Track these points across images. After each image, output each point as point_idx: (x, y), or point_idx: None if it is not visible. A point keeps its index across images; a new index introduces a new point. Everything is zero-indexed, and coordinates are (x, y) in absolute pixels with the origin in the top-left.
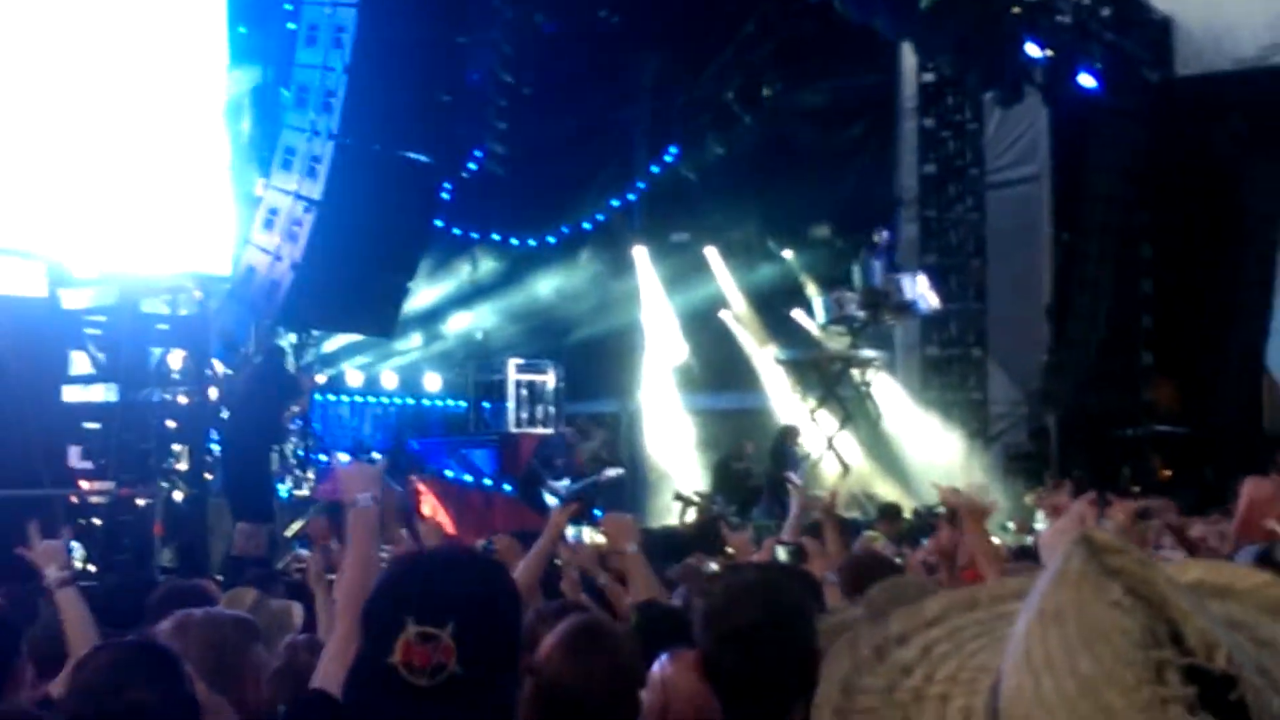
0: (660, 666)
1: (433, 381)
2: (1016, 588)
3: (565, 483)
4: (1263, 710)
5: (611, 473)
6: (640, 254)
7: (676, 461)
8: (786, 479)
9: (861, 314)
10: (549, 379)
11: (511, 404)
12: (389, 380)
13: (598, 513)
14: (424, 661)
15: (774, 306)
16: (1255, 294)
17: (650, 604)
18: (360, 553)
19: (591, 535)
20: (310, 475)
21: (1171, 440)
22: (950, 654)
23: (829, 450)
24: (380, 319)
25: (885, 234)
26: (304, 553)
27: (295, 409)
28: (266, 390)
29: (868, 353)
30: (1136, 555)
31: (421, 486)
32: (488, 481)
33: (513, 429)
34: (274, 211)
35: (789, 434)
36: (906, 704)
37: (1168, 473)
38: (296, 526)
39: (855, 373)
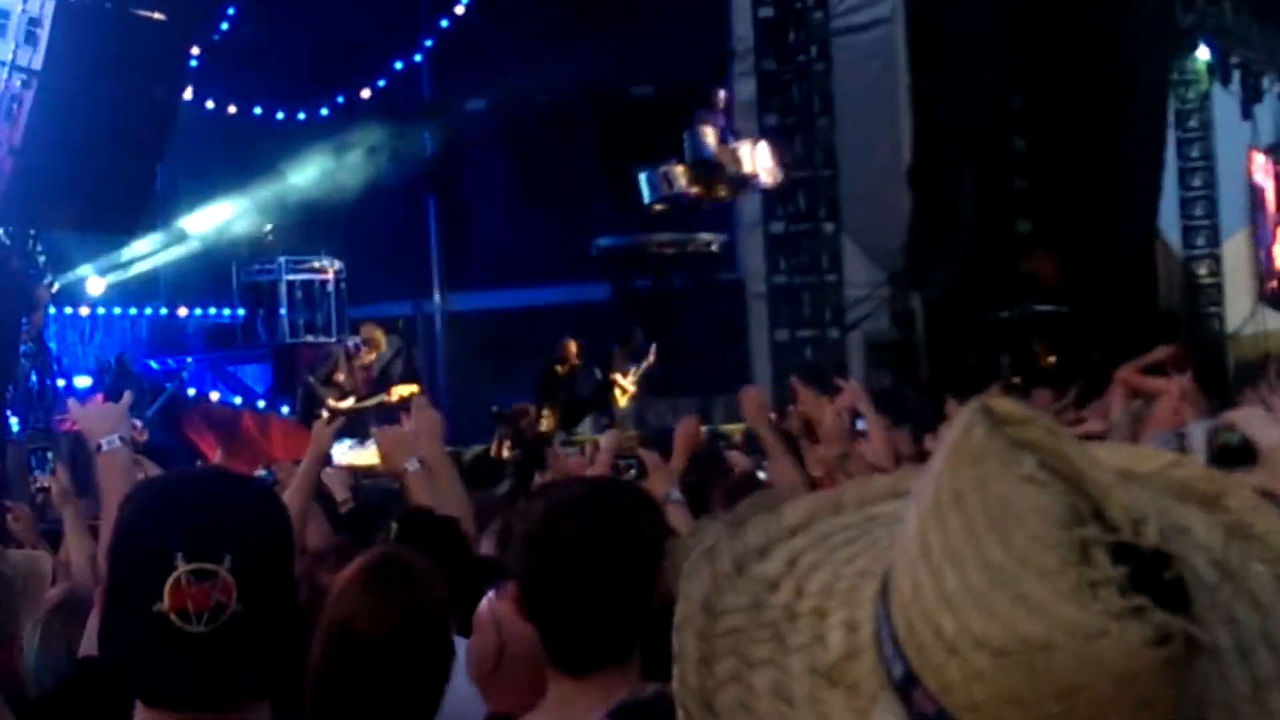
0: (489, 603)
1: (190, 286)
2: (887, 486)
3: (349, 402)
4: (1199, 590)
5: (404, 390)
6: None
7: (487, 371)
8: None
9: (693, 191)
10: (328, 277)
11: (285, 310)
12: (136, 287)
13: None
14: (201, 603)
15: (590, 185)
16: (1143, 149)
17: (415, 512)
18: (113, 502)
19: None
20: (46, 406)
21: (1054, 320)
22: (820, 564)
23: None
24: (121, 214)
25: (720, 93)
26: (42, 476)
27: (29, 326)
28: None
29: (702, 236)
30: (1046, 425)
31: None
32: (261, 403)
33: (288, 339)
34: None
35: (624, 337)
36: (777, 622)
37: (1052, 359)
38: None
39: (688, 259)
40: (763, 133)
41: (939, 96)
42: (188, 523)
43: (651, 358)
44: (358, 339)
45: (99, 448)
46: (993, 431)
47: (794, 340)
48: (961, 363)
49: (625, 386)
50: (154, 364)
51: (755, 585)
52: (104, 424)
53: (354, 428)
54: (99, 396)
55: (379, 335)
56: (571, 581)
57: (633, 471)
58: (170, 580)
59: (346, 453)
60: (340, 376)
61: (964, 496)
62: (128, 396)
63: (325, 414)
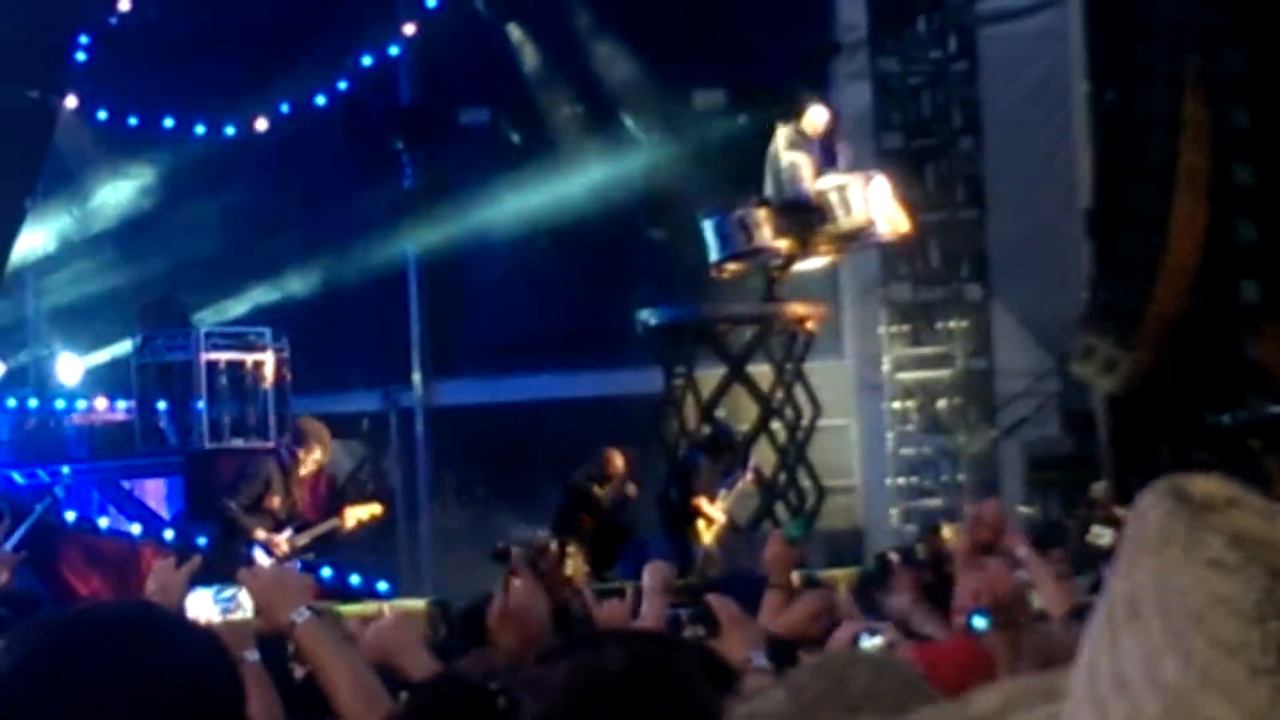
0: None
1: (71, 368)
2: None
3: (286, 535)
4: None
5: (362, 512)
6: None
7: (485, 489)
8: None
9: (781, 245)
10: (263, 357)
11: (204, 402)
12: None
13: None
14: None
15: (634, 230)
16: None
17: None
18: None
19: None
20: None
21: None
22: None
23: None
24: None
25: (816, 108)
26: None
27: None
28: None
29: (795, 308)
30: (1260, 506)
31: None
32: (169, 534)
33: (206, 444)
34: None
35: (718, 440)
36: None
37: None
38: None
39: (775, 340)
40: (880, 159)
41: (1130, 109)
42: (80, 690)
43: (750, 475)
44: (288, 439)
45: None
46: (1176, 513)
47: (924, 450)
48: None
49: (711, 516)
50: (17, 476)
51: None
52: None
53: (227, 570)
54: None
55: (321, 432)
56: None
57: (699, 630)
58: None
59: (209, 607)
60: (274, 500)
61: (1139, 603)
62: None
63: (259, 552)
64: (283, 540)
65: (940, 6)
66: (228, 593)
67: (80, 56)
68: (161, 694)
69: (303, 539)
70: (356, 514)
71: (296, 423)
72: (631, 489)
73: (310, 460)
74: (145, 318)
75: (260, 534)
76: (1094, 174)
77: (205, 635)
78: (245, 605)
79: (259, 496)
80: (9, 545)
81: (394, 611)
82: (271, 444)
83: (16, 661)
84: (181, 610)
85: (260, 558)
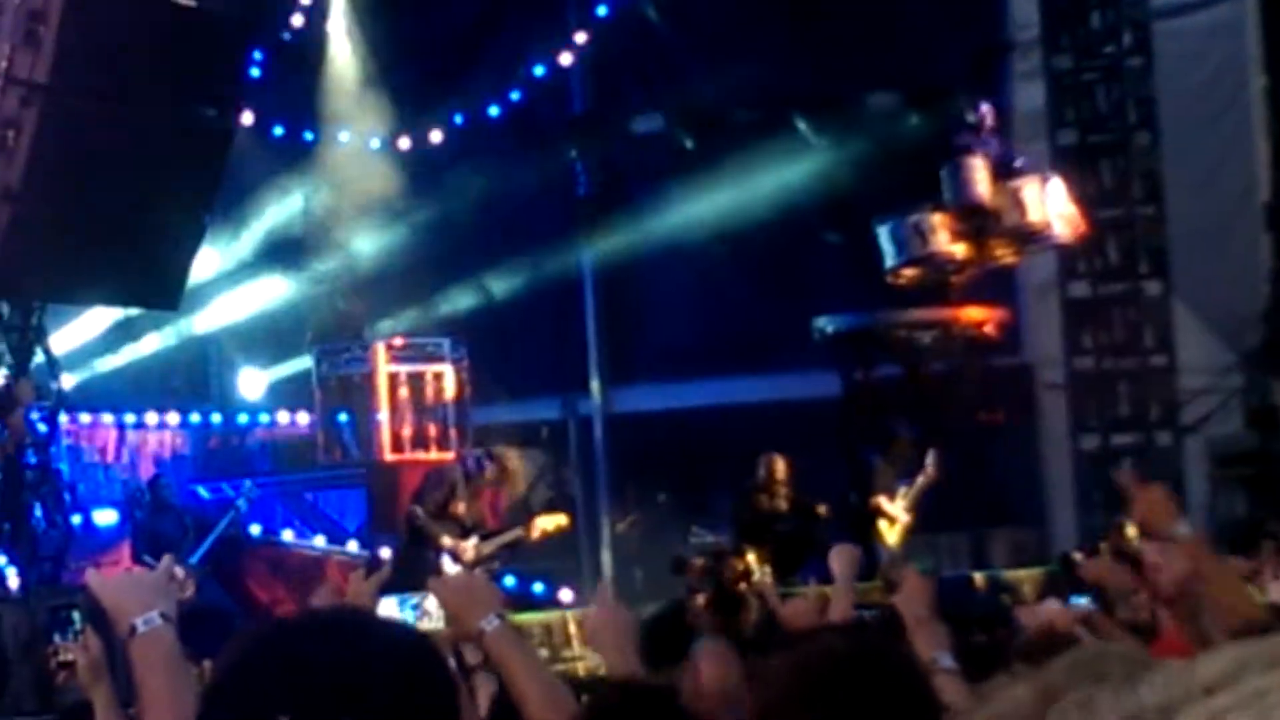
0: None
1: (253, 382)
2: None
3: (473, 543)
4: None
5: (550, 522)
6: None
7: (666, 496)
8: None
9: (957, 250)
10: (443, 369)
11: (384, 414)
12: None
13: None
14: None
15: (809, 235)
16: None
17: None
18: (155, 698)
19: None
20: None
21: None
22: None
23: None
24: (158, 279)
25: (985, 107)
26: (64, 643)
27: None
28: None
29: (972, 312)
30: None
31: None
32: (353, 545)
33: (388, 455)
34: None
35: (890, 444)
36: None
37: None
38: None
39: (955, 343)
40: (1055, 157)
41: None
42: (301, 681)
43: (931, 470)
44: (479, 453)
45: (132, 630)
46: None
47: (1106, 449)
48: None
49: (894, 515)
50: (203, 491)
51: None
52: (137, 598)
53: (413, 580)
54: (125, 558)
55: (515, 462)
56: None
57: None
58: None
59: (398, 616)
60: (459, 507)
61: None
62: (168, 561)
63: (446, 559)
64: (469, 546)
65: (1114, 2)
66: (415, 599)
67: (255, 73)
68: (379, 684)
69: (489, 546)
70: (543, 524)
71: (486, 445)
72: (783, 504)
73: (495, 470)
74: (322, 331)
75: (446, 541)
76: (1272, 167)
77: (416, 634)
78: (434, 613)
79: (444, 503)
80: (194, 559)
81: (617, 609)
82: (450, 454)
83: (241, 657)
84: None
85: (447, 565)
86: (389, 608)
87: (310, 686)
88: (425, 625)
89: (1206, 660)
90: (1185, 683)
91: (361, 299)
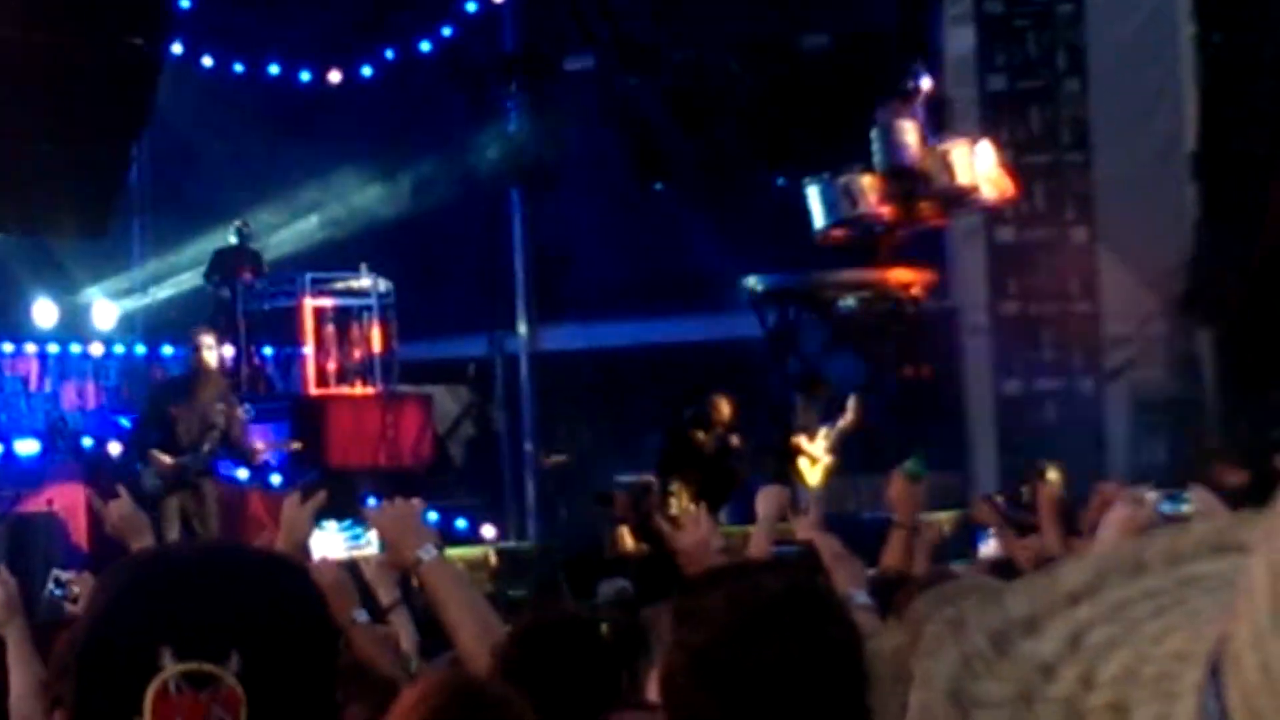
0: None
1: (171, 316)
2: (1211, 538)
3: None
4: None
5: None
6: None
7: (590, 434)
8: None
9: (885, 211)
10: (371, 305)
11: (310, 348)
12: (102, 316)
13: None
14: (196, 719)
15: (739, 174)
16: None
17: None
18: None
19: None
20: None
21: None
22: (1117, 641)
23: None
24: (85, 207)
25: (918, 76)
26: None
27: None
28: None
29: (901, 274)
30: None
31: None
32: (276, 478)
33: (313, 389)
34: None
35: (810, 384)
36: None
37: None
38: None
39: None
40: (985, 102)
41: (1239, 48)
42: (181, 609)
43: (850, 414)
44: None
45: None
46: None
47: (1029, 394)
48: (1267, 433)
49: (814, 455)
50: (125, 422)
51: (1023, 670)
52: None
53: (344, 506)
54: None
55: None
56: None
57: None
58: (154, 687)
59: (337, 544)
60: None
61: None
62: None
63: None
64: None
65: None
66: (358, 528)
67: (184, 3)
68: (259, 618)
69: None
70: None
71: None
72: (735, 439)
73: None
74: (220, 262)
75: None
76: (1200, 117)
77: (294, 566)
78: (372, 541)
79: None
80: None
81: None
82: (374, 388)
83: (108, 600)
84: (307, 547)
85: (371, 502)
86: (330, 536)
87: (191, 619)
88: (365, 552)
89: (1069, 569)
90: (1050, 592)
91: (287, 234)
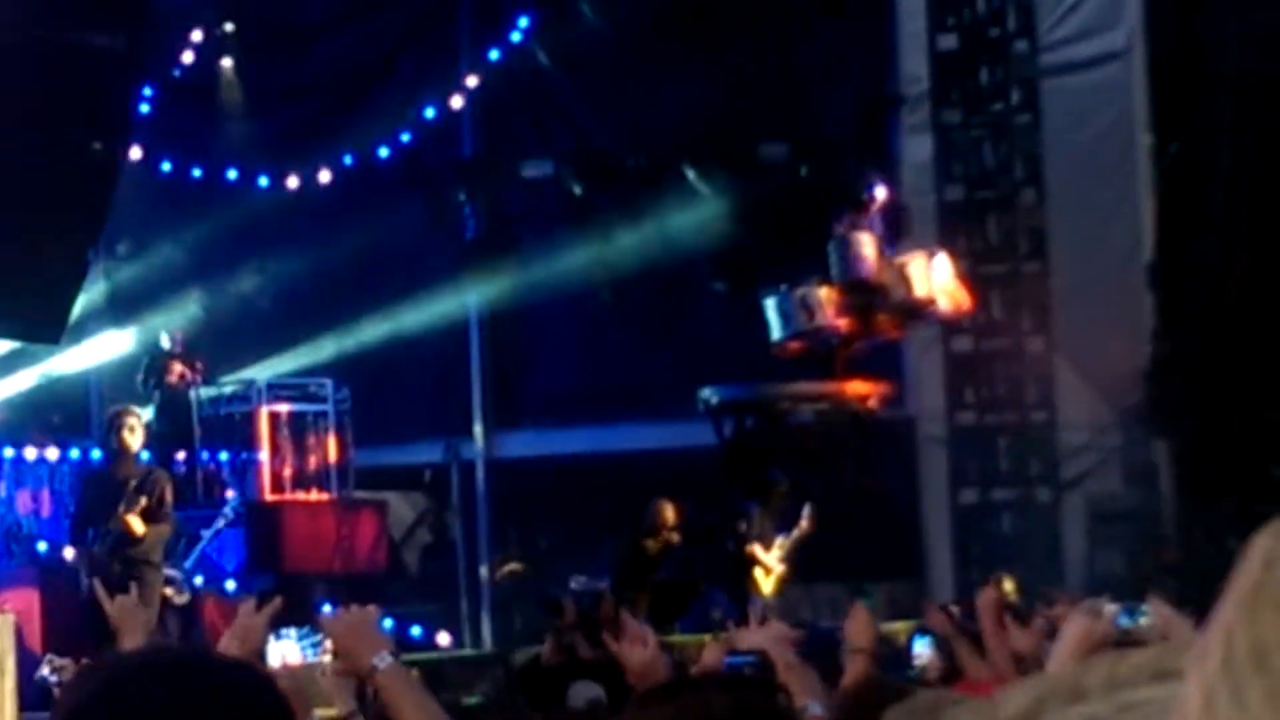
0: None
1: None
2: (1149, 664)
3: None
4: None
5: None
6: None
7: (549, 541)
8: None
9: (842, 324)
10: (327, 411)
11: (265, 453)
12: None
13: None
14: None
15: (697, 283)
16: None
17: None
18: None
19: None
20: None
21: None
22: None
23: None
24: (39, 316)
25: (878, 188)
26: None
27: None
28: None
29: (857, 386)
30: None
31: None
32: (230, 584)
33: (268, 495)
34: None
35: (766, 492)
36: None
37: None
38: None
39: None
40: (943, 210)
41: (1196, 160)
42: (149, 717)
43: (806, 523)
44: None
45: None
46: None
47: (985, 504)
48: (1224, 544)
49: (769, 565)
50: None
51: None
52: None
53: (299, 612)
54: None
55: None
56: None
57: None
58: None
59: (294, 651)
60: None
61: (1268, 655)
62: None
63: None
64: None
65: (1003, 59)
66: (316, 637)
67: (144, 108)
68: None
69: None
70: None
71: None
72: (675, 537)
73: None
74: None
75: None
76: (1157, 227)
77: (258, 675)
78: (329, 648)
79: None
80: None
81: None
82: (329, 494)
83: (79, 701)
84: (263, 654)
85: (326, 609)
86: (287, 644)
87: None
88: (324, 660)
89: (1008, 697)
90: (991, 717)
91: (244, 339)
